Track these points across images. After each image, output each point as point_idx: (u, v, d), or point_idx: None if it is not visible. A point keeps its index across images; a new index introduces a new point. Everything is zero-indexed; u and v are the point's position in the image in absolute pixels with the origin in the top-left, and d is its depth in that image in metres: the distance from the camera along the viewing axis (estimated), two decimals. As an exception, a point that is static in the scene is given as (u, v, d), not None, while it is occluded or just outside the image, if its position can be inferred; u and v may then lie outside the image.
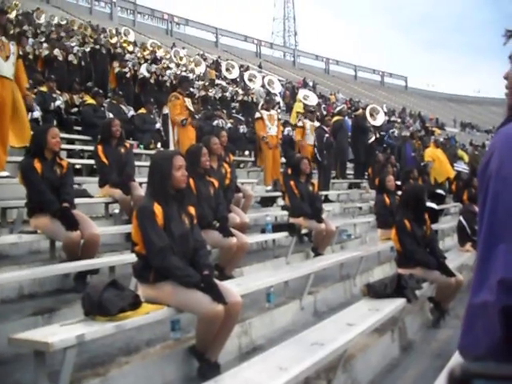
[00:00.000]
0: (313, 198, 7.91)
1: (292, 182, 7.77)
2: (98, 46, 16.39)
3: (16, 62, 6.85)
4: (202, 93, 17.39)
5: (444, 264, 6.06)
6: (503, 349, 1.42)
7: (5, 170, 6.89)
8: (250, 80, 21.31)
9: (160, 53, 20.32)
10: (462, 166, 18.66)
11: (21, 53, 7.34)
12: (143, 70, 15.88)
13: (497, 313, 1.38)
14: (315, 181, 8.75)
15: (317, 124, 13.08)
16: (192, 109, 10.06)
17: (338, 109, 16.90)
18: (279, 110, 19.59)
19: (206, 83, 18.88)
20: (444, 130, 39.29)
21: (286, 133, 13.66)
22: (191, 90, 15.97)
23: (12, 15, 16.87)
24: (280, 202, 10.09)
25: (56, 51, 14.44)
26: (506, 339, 1.40)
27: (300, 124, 12.82)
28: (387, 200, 8.23)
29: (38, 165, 5.18)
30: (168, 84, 16.03)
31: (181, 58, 20.02)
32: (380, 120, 16.35)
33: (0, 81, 6.61)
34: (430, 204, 9.30)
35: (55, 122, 10.17)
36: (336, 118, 14.69)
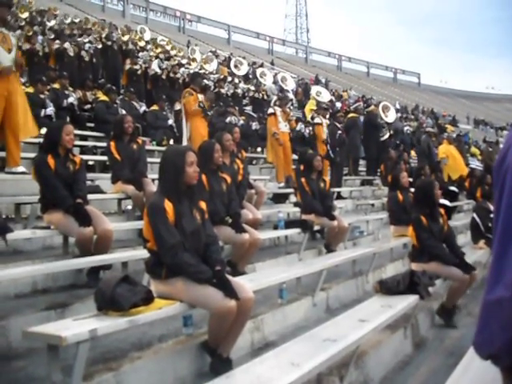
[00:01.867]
0: (324, 195, 7.90)
1: (303, 179, 7.77)
2: (109, 43, 16.43)
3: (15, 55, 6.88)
4: (215, 89, 17.41)
5: (464, 259, 6.04)
6: None
7: (19, 165, 6.94)
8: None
9: (172, 51, 20.33)
10: (475, 163, 18.56)
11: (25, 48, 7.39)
12: (155, 67, 15.92)
13: None
14: (327, 178, 8.73)
15: (328, 121, 13.05)
16: (205, 105, 10.06)
17: (354, 106, 16.83)
18: (291, 107, 19.55)
19: (221, 77, 18.91)
20: (457, 126, 39.03)
21: (298, 129, 13.61)
22: (206, 82, 15.98)
23: (24, 15, 16.88)
24: (292, 198, 10.08)
25: (66, 44, 14.47)
26: None
27: (318, 121, 12.76)
28: (400, 197, 8.19)
29: (51, 161, 5.20)
30: (180, 81, 16.06)
31: (194, 60, 19.99)
32: (392, 117, 16.29)
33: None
34: (442, 201, 9.24)
35: (68, 119, 10.22)
36: (351, 115, 14.65)
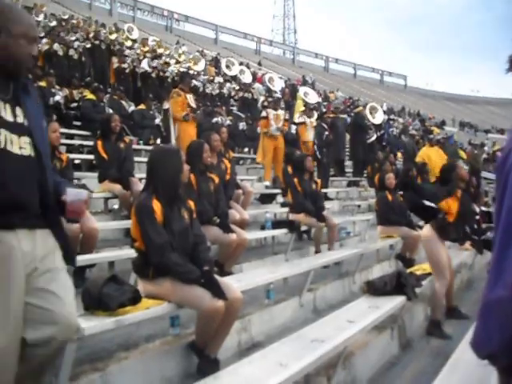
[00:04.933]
0: (315, 195, 7.92)
1: (296, 180, 7.78)
2: (97, 42, 16.33)
3: None
4: (204, 89, 17.38)
5: None
6: None
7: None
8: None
9: (160, 50, 20.24)
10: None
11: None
12: (145, 65, 15.84)
13: None
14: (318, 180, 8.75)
15: (315, 121, 13.05)
16: (193, 105, 10.04)
17: (334, 106, 16.88)
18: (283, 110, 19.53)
19: (210, 78, 18.87)
20: (443, 129, 39.26)
21: (292, 131, 13.63)
22: (195, 82, 15.91)
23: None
24: (279, 199, 10.08)
25: (56, 46, 14.38)
26: None
27: (301, 120, 12.78)
28: (389, 197, 8.23)
29: (37, 159, 5.15)
30: (170, 80, 16.00)
31: (180, 55, 19.94)
32: (379, 118, 16.32)
33: None
34: (428, 203, 9.27)
35: (54, 117, 10.14)
36: (331, 115, 14.66)
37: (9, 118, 2.39)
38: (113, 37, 17.81)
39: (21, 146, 2.40)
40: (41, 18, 17.49)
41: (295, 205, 7.82)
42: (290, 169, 9.11)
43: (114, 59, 15.54)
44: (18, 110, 2.45)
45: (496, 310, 1.41)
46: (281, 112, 11.65)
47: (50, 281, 2.46)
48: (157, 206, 3.71)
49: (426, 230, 5.96)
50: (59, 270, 2.54)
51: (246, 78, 20.83)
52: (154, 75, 15.71)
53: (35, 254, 2.44)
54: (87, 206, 2.64)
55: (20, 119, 2.44)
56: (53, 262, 2.52)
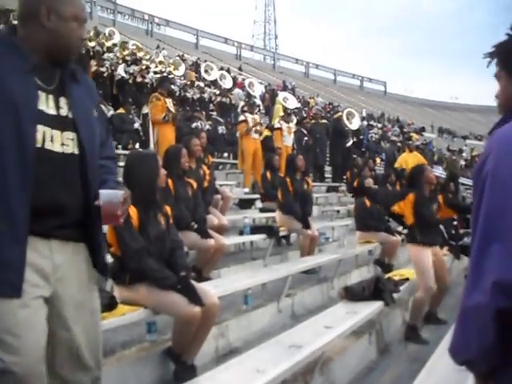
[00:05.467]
0: (305, 197, 7.87)
1: (288, 179, 7.73)
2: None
3: None
4: (181, 93, 17.30)
5: None
6: (494, 353, 1.40)
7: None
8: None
9: (140, 54, 20.13)
10: (438, 171, 18.84)
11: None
12: (121, 71, 15.71)
13: (490, 315, 1.35)
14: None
15: (293, 126, 13.09)
16: (173, 110, 9.99)
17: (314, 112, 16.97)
18: (259, 113, 19.58)
19: (188, 83, 18.80)
20: (422, 135, 39.63)
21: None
22: (172, 87, 15.83)
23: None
24: (258, 204, 10.07)
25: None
26: (498, 343, 1.37)
27: (277, 125, 12.83)
28: (368, 203, 8.25)
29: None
30: (149, 86, 15.90)
31: (160, 62, 19.82)
32: (356, 124, 16.41)
33: None
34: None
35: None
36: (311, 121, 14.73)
37: (51, 111, 2.11)
38: (92, 44, 17.67)
39: (63, 142, 2.12)
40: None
41: (284, 205, 7.75)
42: (269, 174, 9.10)
43: (93, 62, 15.42)
44: (63, 101, 2.16)
45: (474, 316, 1.41)
46: (257, 116, 11.68)
47: (77, 315, 2.21)
48: (132, 211, 3.67)
49: (410, 247, 5.95)
50: (90, 302, 2.30)
51: (227, 83, 20.81)
52: (130, 81, 15.59)
53: (66, 271, 2.17)
54: (124, 208, 2.26)
55: (64, 111, 2.15)
56: (85, 287, 2.26)
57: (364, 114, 35.46)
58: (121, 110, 12.60)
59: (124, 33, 34.11)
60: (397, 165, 14.41)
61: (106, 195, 2.20)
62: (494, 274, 1.36)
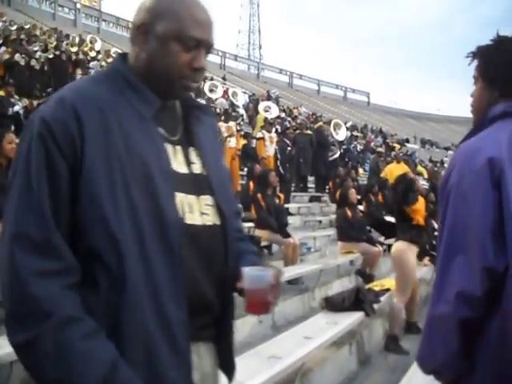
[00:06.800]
0: (279, 211, 7.92)
1: (259, 195, 7.76)
2: (58, 52, 16.16)
3: None
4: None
5: None
6: (459, 362, 1.43)
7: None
8: (211, 90, 21.29)
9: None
10: (421, 182, 18.94)
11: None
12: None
13: (453, 325, 1.40)
14: (281, 194, 8.76)
15: (275, 136, 13.15)
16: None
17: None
18: (242, 122, 19.62)
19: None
20: (405, 146, 39.93)
21: (253, 145, 13.68)
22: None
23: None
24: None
25: (17, 56, 14.19)
26: (463, 351, 1.41)
27: (260, 135, 12.88)
28: (349, 213, 8.28)
29: (-9, 170, 5.04)
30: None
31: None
32: (342, 135, 16.50)
33: None
34: (389, 218, 9.39)
35: (13, 128, 9.95)
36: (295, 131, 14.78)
37: (182, 169, 1.51)
38: (74, 49, 17.64)
39: (202, 210, 1.52)
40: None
41: (259, 220, 7.80)
42: (251, 184, 9.10)
43: (78, 71, 15.39)
44: (193, 154, 1.57)
45: (439, 325, 1.45)
46: (232, 124, 11.79)
47: None
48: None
49: (400, 244, 5.92)
50: None
51: (218, 93, 20.76)
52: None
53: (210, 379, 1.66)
54: (277, 292, 1.65)
55: (197, 168, 1.56)
56: None
57: (348, 125, 35.65)
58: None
59: (108, 40, 34.07)
60: (383, 174, 14.51)
61: (251, 275, 1.57)
62: (457, 285, 1.40)
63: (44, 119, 1.35)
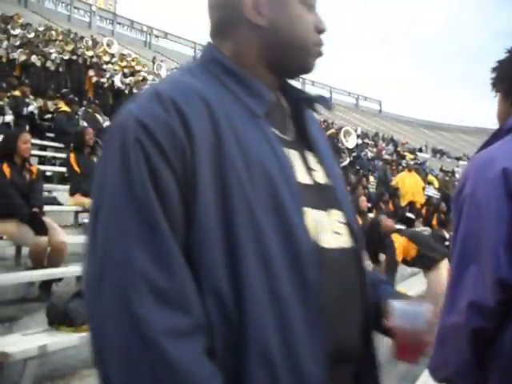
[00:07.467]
0: None
1: None
2: (74, 57, 16.28)
3: None
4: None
5: None
6: (472, 371, 1.44)
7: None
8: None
9: (137, 66, 20.20)
10: (431, 192, 18.91)
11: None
12: (117, 82, 15.79)
13: (466, 335, 1.41)
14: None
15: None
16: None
17: None
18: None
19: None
20: (416, 155, 39.84)
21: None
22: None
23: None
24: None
25: (33, 57, 14.31)
26: (475, 361, 1.42)
27: None
28: (359, 221, 8.27)
29: (6, 169, 5.11)
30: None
31: (158, 76, 19.90)
32: (352, 142, 16.49)
33: None
34: (399, 227, 9.38)
35: (27, 128, 10.04)
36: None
37: (304, 178, 1.18)
38: (89, 53, 17.75)
39: (334, 229, 1.19)
40: (17, 31, 17.35)
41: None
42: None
43: (91, 72, 15.49)
44: (311, 160, 1.24)
45: (451, 335, 1.46)
46: None
47: None
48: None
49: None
50: None
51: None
52: (127, 92, 15.66)
53: None
54: (433, 335, 1.33)
55: (319, 177, 1.23)
56: None
57: (359, 132, 35.60)
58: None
59: (122, 43, 34.24)
60: (393, 183, 14.48)
61: (404, 312, 1.20)
62: (470, 295, 1.41)
63: (141, 121, 1.02)
